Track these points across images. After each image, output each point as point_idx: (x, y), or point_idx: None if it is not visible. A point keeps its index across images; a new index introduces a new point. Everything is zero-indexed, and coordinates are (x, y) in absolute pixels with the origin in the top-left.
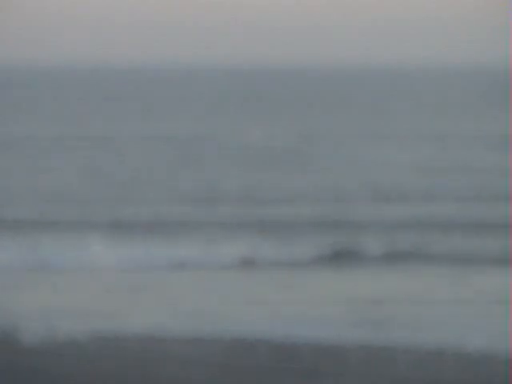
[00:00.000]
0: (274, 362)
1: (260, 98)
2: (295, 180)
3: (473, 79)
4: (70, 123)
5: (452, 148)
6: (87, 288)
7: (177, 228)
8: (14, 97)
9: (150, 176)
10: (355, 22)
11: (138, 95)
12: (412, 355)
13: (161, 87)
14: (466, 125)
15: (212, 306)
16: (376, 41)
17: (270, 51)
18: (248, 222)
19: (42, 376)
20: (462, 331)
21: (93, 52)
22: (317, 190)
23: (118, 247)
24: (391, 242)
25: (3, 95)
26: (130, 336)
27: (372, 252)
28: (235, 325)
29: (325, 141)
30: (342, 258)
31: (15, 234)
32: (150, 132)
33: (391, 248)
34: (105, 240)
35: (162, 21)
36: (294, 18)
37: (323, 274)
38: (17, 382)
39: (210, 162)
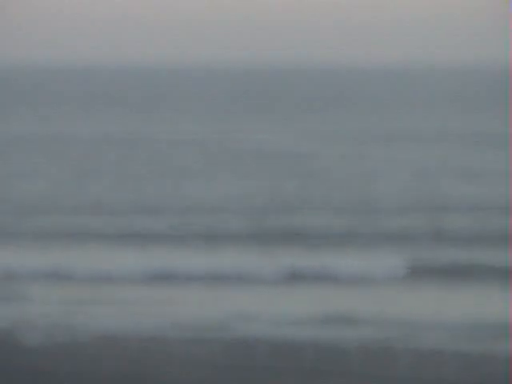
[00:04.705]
0: (274, 362)
1: (260, 98)
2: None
3: (473, 79)
4: (70, 123)
5: (452, 148)
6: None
7: (208, 239)
8: (14, 97)
9: (148, 181)
10: (355, 22)
11: (137, 95)
12: (412, 355)
13: (161, 87)
14: (466, 124)
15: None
16: (376, 41)
17: (269, 51)
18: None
19: (42, 376)
20: None
21: (93, 52)
22: (338, 198)
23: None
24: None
25: (3, 95)
26: (130, 336)
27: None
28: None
29: (325, 141)
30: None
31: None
32: (150, 133)
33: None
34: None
35: (161, 21)
36: (293, 18)
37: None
38: (17, 382)
39: (215, 166)
